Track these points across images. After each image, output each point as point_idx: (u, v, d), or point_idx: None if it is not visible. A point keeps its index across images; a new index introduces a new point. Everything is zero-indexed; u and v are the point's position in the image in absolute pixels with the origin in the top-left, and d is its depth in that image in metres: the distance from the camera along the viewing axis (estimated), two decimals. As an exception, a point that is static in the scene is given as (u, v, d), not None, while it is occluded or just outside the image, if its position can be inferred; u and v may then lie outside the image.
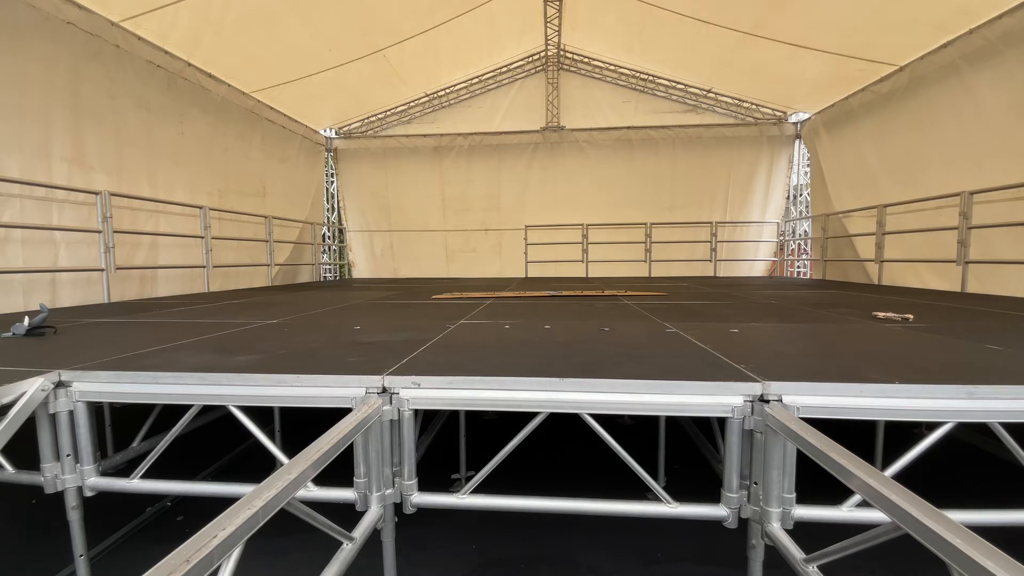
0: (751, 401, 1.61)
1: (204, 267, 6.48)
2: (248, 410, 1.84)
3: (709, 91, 9.58)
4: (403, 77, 8.76)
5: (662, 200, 10.15)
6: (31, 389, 1.72)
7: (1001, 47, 5.24)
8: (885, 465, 1.55)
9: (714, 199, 10.09)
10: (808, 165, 9.66)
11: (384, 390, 1.74)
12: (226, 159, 7.25)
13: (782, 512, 1.54)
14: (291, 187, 9.07)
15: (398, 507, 1.78)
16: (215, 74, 6.81)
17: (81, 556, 1.94)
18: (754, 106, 9.67)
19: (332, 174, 10.93)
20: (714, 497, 1.68)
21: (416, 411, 1.75)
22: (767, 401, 1.59)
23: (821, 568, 1.31)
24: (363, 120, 10.40)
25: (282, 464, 1.29)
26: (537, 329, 2.87)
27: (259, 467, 1.76)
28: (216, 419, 2.79)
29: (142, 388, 1.85)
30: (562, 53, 9.64)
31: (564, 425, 3.47)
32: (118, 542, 2.60)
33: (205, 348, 2.36)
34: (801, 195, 10.14)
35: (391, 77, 8.61)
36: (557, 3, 7.89)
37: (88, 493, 1.89)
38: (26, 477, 1.86)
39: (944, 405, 1.57)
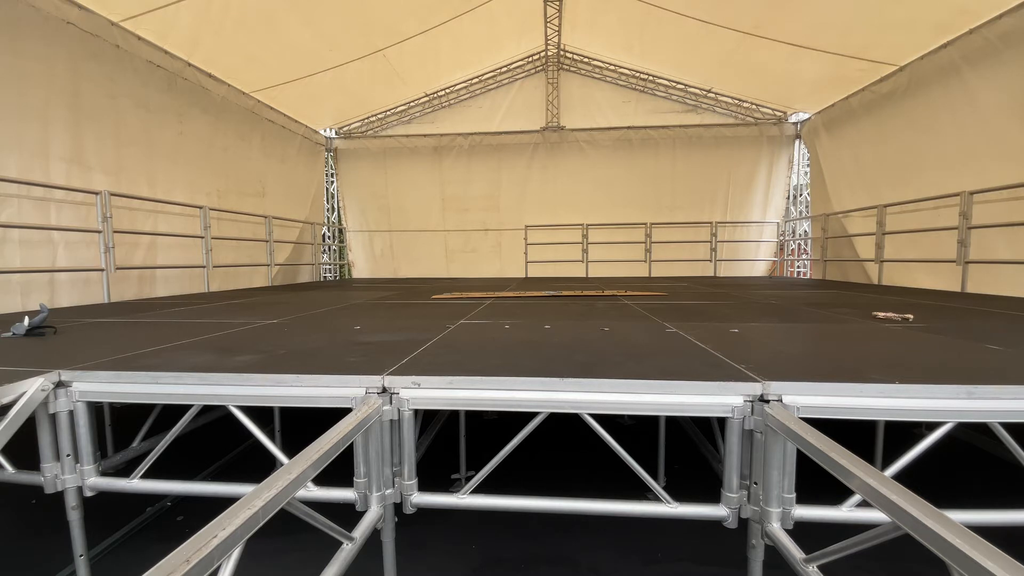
0: (751, 401, 1.61)
1: (204, 267, 6.48)
2: (248, 410, 1.84)
3: (709, 91, 9.58)
4: (403, 77, 8.76)
5: (662, 200, 10.15)
6: (31, 389, 1.72)
7: (1001, 47, 5.24)
8: (885, 465, 1.55)
9: (714, 199, 10.08)
10: (808, 165, 9.66)
11: (384, 390, 1.74)
12: (226, 159, 7.25)
13: (782, 512, 1.53)
14: (291, 187, 9.07)
15: (398, 507, 1.78)
16: (215, 74, 6.80)
17: (81, 556, 1.94)
18: (754, 106, 9.67)
19: (332, 174, 10.93)
20: (714, 497, 1.68)
21: (416, 411, 1.75)
22: (767, 401, 1.59)
23: (821, 568, 1.31)
24: (363, 120, 10.40)
25: (282, 464, 1.29)
26: (537, 329, 2.87)
27: (259, 467, 1.76)
28: (216, 419, 2.79)
29: (142, 388, 1.85)
30: (562, 53, 9.63)
31: (564, 425, 3.47)
32: (118, 542, 2.60)
33: (205, 348, 2.36)
34: (801, 195, 10.14)
35: (391, 77, 8.61)
36: (557, 3, 7.88)
37: (88, 493, 1.89)
38: (26, 477, 1.85)
39: (944, 405, 1.57)
